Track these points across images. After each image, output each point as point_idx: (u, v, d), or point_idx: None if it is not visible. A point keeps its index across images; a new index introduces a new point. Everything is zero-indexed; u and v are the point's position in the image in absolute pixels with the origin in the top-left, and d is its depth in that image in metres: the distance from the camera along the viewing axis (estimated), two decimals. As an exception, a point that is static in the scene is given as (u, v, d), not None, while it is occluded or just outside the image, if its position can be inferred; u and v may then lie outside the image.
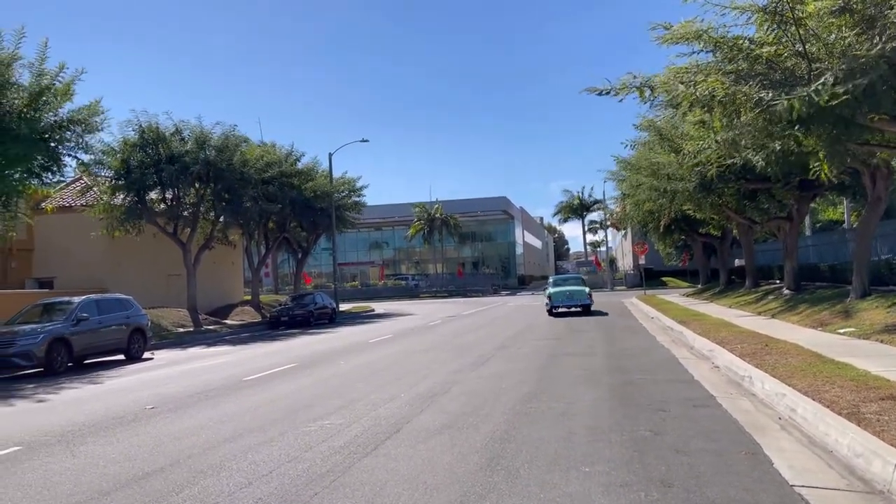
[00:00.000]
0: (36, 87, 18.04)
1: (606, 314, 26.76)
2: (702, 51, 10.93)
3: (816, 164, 12.45)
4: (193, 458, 6.71)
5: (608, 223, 72.24)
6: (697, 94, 10.28)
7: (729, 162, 16.45)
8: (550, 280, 30.58)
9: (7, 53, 17.69)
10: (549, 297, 27.18)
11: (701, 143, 14.93)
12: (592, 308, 27.35)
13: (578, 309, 26.74)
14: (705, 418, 7.45)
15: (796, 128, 10.77)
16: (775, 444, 6.34)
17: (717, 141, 13.31)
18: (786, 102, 8.86)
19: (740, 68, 11.37)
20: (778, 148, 11.77)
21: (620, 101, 10.90)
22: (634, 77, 10.99)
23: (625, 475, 5.44)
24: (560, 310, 26.62)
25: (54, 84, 18.34)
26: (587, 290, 27.68)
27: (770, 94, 9.71)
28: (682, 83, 10.58)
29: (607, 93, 10.88)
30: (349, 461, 6.31)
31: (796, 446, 6.27)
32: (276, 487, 5.61)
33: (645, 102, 11.43)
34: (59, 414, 9.97)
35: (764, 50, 11.18)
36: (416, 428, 7.60)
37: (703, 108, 10.84)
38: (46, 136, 18.28)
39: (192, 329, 28.13)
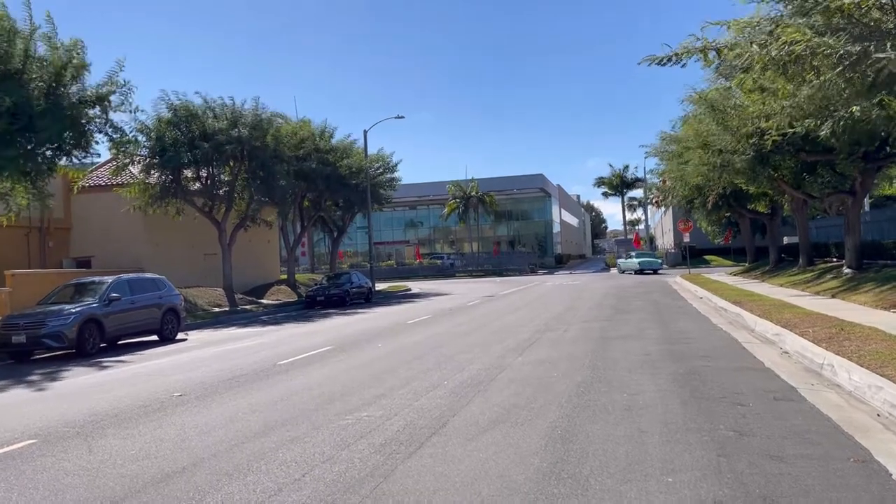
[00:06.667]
0: (58, 61, 17.58)
1: (652, 293, 25.73)
2: (770, 0, 9.87)
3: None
4: (219, 457, 6.05)
5: (649, 200, 70.37)
6: (773, 53, 9.18)
7: (790, 131, 15.28)
8: (634, 254, 53.49)
9: (26, 27, 17.28)
10: (636, 263, 49.25)
11: (765, 106, 13.79)
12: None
13: (651, 272, 47.67)
14: (792, 414, 6.54)
15: (883, 90, 9.64)
16: (884, 448, 5.42)
17: (784, 106, 12.19)
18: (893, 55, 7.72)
19: (815, 22, 10.26)
20: (857, 112, 10.59)
21: (683, 66, 9.85)
22: (697, 39, 9.92)
23: (717, 488, 4.60)
24: (642, 272, 47.63)
25: (73, 58, 17.89)
26: (659, 261, 51.79)
27: (858, 48, 8.61)
28: (755, 44, 9.50)
29: (668, 61, 9.81)
30: (391, 463, 5.58)
31: (911, 451, 5.36)
32: (308, 495, 4.91)
33: (709, 66, 10.37)
34: (83, 401, 9.45)
35: (845, 0, 10.04)
36: (463, 422, 6.85)
37: (778, 69, 9.73)
38: (72, 112, 17.78)
39: (227, 309, 27.84)
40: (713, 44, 10.68)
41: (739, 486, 4.62)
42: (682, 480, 4.78)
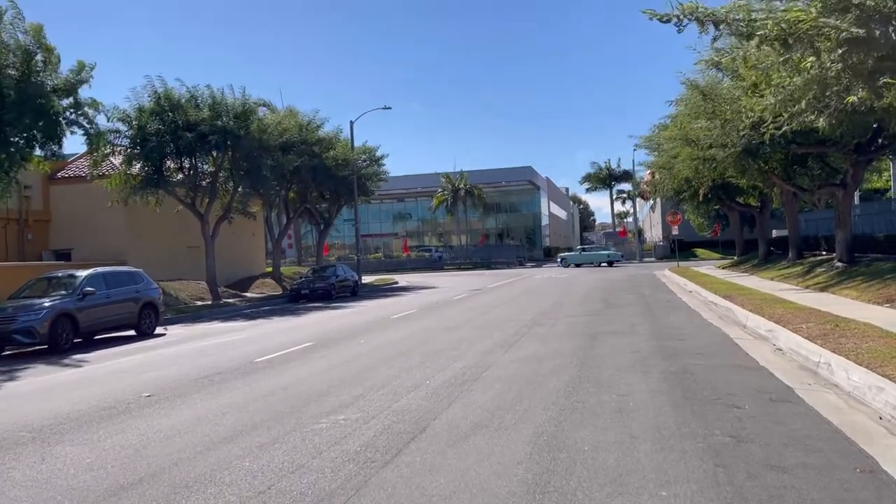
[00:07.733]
0: (26, 48, 17.04)
1: (641, 286, 25.46)
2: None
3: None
4: (180, 466, 5.63)
5: (638, 193, 70.12)
6: (781, 24, 8.86)
7: (785, 128, 15.00)
8: (584, 247, 60.80)
9: None
10: (605, 255, 53.61)
11: (762, 97, 13.44)
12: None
13: (606, 264, 51.64)
14: (790, 418, 6.20)
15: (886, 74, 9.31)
16: (891, 455, 5.08)
17: (784, 88, 11.81)
18: None
19: (816, 3, 9.94)
20: (857, 100, 10.26)
21: (680, 31, 9.55)
22: (696, 7, 9.61)
23: (715, 503, 4.23)
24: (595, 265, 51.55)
25: (41, 44, 17.37)
26: (619, 253, 55.94)
27: (862, 31, 8.27)
28: (764, 11, 9.20)
29: (668, 20, 9.52)
30: (365, 473, 5.18)
31: (919, 459, 5.02)
32: (272, 511, 4.51)
33: (704, 33, 10.05)
34: (47, 402, 8.98)
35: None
36: (444, 426, 6.46)
37: (781, 43, 9.35)
38: (43, 102, 17.16)
39: (210, 302, 27.32)
40: (712, 14, 10.33)
41: (740, 500, 4.25)
42: (678, 494, 4.41)
